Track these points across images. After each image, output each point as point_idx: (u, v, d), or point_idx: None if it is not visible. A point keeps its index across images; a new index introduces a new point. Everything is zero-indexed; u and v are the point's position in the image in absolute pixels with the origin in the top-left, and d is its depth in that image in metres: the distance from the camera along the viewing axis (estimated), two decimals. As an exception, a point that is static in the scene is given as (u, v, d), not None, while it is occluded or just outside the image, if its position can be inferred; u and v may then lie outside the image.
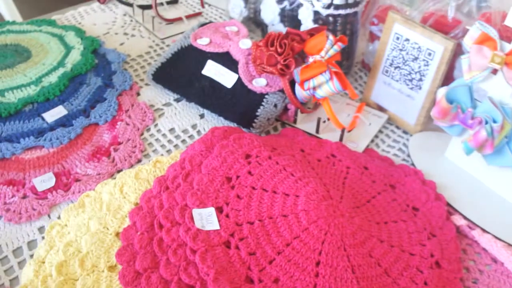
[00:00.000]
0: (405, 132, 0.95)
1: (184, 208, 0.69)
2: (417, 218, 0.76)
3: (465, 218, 0.78)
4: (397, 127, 0.95)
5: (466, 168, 0.85)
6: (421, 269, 0.69)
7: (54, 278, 0.65)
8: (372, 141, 0.91)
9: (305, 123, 0.92)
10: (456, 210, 0.79)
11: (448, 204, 0.80)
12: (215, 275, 0.60)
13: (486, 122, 0.74)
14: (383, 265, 0.67)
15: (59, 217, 0.77)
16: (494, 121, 0.74)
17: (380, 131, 0.94)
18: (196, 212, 0.68)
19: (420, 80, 0.88)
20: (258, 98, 0.88)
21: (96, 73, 1.01)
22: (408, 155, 0.90)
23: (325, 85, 0.83)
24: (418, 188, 0.81)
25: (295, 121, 0.91)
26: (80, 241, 0.69)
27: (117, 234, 0.70)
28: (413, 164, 0.87)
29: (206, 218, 0.68)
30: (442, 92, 0.78)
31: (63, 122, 0.91)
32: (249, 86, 0.89)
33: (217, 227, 0.67)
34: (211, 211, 0.69)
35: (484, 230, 0.76)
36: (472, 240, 0.77)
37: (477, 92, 0.79)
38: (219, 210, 0.69)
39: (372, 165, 0.83)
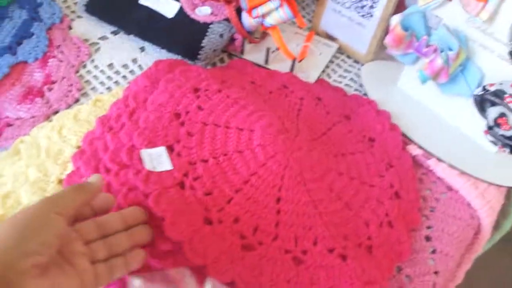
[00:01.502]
0: (356, 61, 0.91)
1: (131, 149, 0.63)
2: (374, 149, 0.74)
3: (420, 147, 0.77)
4: (348, 57, 0.92)
5: (419, 98, 0.83)
6: (381, 200, 0.68)
7: (-7, 233, 0.59)
8: (323, 71, 0.88)
9: (253, 54, 0.87)
10: (411, 140, 0.78)
11: (403, 134, 0.78)
12: (171, 218, 0.56)
13: (442, 50, 0.72)
14: (344, 199, 0.65)
15: (-9, 167, 0.70)
16: (450, 49, 0.72)
17: (331, 61, 0.90)
18: (145, 152, 0.63)
19: (372, 7, 0.85)
20: (202, 28, 0.82)
21: (19, 5, 0.88)
22: (360, 85, 0.87)
23: (274, 12, 0.77)
24: (373, 118, 0.79)
25: (242, 52, 0.86)
26: (19, 191, 0.63)
27: (59, 182, 0.64)
28: (365, 94, 0.85)
29: (157, 159, 0.63)
30: (396, 19, 0.75)
31: (-14, 62, 0.81)
32: (192, 15, 0.82)
33: (169, 167, 0.62)
34: (161, 150, 0.64)
35: (439, 159, 0.76)
36: (428, 170, 0.76)
37: (431, 19, 0.76)
38: (170, 149, 0.64)
39: (325, 96, 0.80)
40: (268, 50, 0.83)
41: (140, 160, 0.62)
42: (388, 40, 0.76)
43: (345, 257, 0.59)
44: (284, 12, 0.77)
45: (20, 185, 0.64)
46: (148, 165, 0.61)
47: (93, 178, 0.52)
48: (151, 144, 0.64)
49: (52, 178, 0.64)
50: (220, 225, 0.58)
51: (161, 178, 0.60)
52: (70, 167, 0.65)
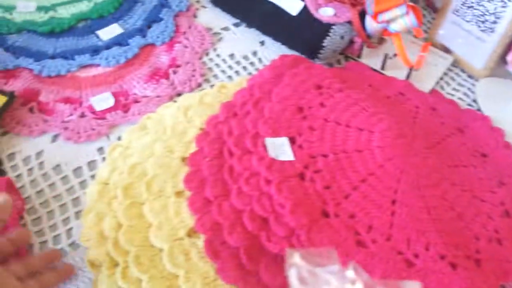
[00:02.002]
0: (470, 76, 0.91)
1: (255, 136, 0.66)
2: (486, 165, 0.74)
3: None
4: (462, 71, 0.92)
5: (534, 118, 0.82)
6: (491, 216, 0.67)
7: (120, 200, 0.63)
8: (437, 83, 0.88)
9: (370, 58, 0.88)
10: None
11: (516, 153, 0.77)
12: (292, 206, 0.58)
13: None
14: (456, 209, 0.65)
15: (119, 139, 0.75)
16: None
17: (445, 73, 0.90)
18: (269, 141, 0.65)
19: (494, 22, 0.84)
20: (324, 28, 0.83)
21: (151, -9, 0.95)
22: (474, 101, 0.86)
23: (400, 19, 0.78)
24: (487, 134, 0.78)
25: (359, 56, 0.88)
26: (145, 163, 0.67)
27: (182, 159, 0.67)
28: (479, 110, 0.84)
29: (280, 148, 0.65)
30: (523, 36, 0.74)
31: (119, 41, 0.87)
32: (315, 15, 0.84)
33: (291, 157, 0.64)
34: (284, 141, 0.66)
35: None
36: (540, 191, 0.75)
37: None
38: (292, 140, 0.67)
39: (440, 107, 0.80)
40: (386, 55, 0.84)
41: (264, 147, 0.64)
42: (511, 58, 0.75)
43: (455, 266, 0.59)
44: (409, 20, 0.77)
45: (146, 158, 0.68)
46: (271, 153, 0.64)
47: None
48: (275, 133, 0.66)
49: (176, 155, 0.67)
50: (336, 218, 0.60)
51: (283, 167, 0.63)
52: (193, 147, 0.68)
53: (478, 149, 0.76)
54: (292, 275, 0.38)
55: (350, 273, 0.39)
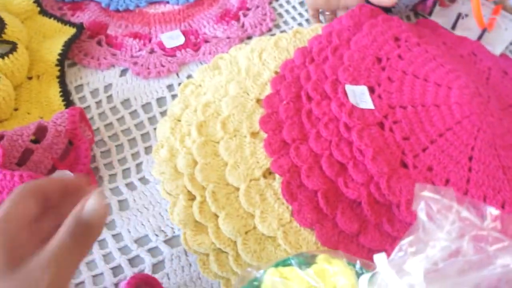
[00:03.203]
0: (539, 42, 0.89)
1: (335, 82, 0.65)
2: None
3: None
4: (532, 37, 0.90)
5: None
6: None
7: (194, 137, 0.63)
8: (507, 47, 0.86)
9: (441, 17, 0.86)
10: None
11: None
12: (373, 153, 0.58)
13: None
14: (530, 173, 0.65)
15: (188, 77, 0.74)
16: None
17: (515, 38, 0.89)
18: (349, 88, 0.65)
19: None
20: (399, -17, 0.82)
21: None
22: (542, 68, 0.85)
23: (479, -21, 0.77)
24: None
25: (430, 13, 0.86)
26: (219, 103, 0.66)
27: (257, 101, 0.67)
28: (548, 77, 0.83)
29: (360, 96, 0.64)
30: None
31: (188, -21, 0.85)
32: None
33: (371, 106, 0.64)
34: (364, 89, 0.65)
35: None
36: None
37: None
38: (371, 90, 0.66)
39: (511, 71, 0.79)
40: (459, 15, 0.83)
41: (344, 94, 0.64)
42: None
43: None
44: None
45: (220, 97, 0.67)
46: (352, 100, 0.63)
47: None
48: (355, 81, 0.66)
49: (251, 96, 0.67)
50: (414, 170, 0.60)
51: (363, 115, 0.62)
52: (268, 89, 0.68)
53: (548, 117, 0.75)
54: (421, 210, 0.38)
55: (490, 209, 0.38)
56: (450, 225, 0.36)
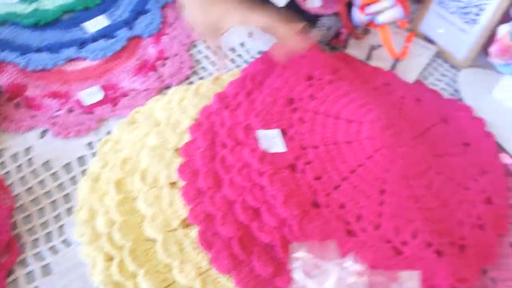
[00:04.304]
0: (452, 66, 0.93)
1: (247, 128, 0.67)
2: (468, 154, 0.76)
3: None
4: (445, 61, 0.93)
5: (512, 108, 0.84)
6: (474, 203, 0.69)
7: (112, 196, 0.64)
8: (421, 73, 0.89)
9: (355, 49, 0.89)
10: (503, 149, 0.79)
11: (496, 143, 0.79)
12: (285, 197, 0.60)
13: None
14: (442, 197, 0.67)
15: (108, 133, 0.75)
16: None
17: (428, 64, 0.92)
18: (261, 133, 0.67)
19: (477, 14, 0.86)
20: (312, 20, 0.84)
21: (137, -18, 0.95)
22: (455, 91, 0.88)
23: (387, 11, 0.79)
24: (469, 123, 0.80)
25: (345, 47, 0.89)
26: (137, 157, 0.67)
27: (176, 150, 0.68)
28: (460, 100, 0.86)
29: (271, 140, 0.66)
30: (505, 29, 0.76)
31: (106, 33, 0.87)
32: (302, 6, 0.85)
33: (283, 149, 0.65)
34: (276, 133, 0.67)
35: (531, 170, 0.77)
36: (518, 179, 0.77)
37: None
38: (283, 132, 0.68)
39: (424, 97, 0.82)
40: (372, 47, 0.86)
41: (256, 139, 0.65)
42: (494, 49, 0.77)
43: (441, 253, 0.61)
44: (397, 12, 0.78)
45: (138, 151, 0.68)
46: (263, 145, 0.65)
47: None
48: (266, 125, 0.68)
49: (170, 145, 0.68)
50: (327, 209, 0.62)
51: (275, 159, 0.64)
52: (187, 138, 0.69)
53: (461, 138, 0.78)
54: (297, 269, 0.39)
55: (349, 263, 0.40)
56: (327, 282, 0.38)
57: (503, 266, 0.68)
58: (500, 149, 0.79)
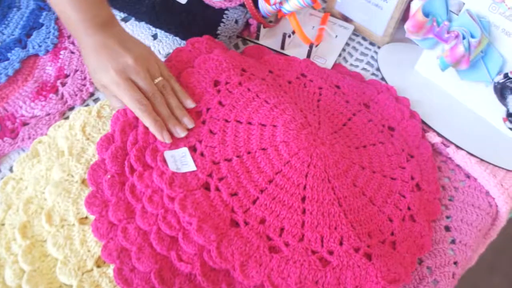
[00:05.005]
0: (372, 43, 0.90)
1: (155, 150, 0.63)
2: (394, 139, 0.74)
3: (439, 135, 0.77)
4: (364, 39, 0.90)
5: (438, 82, 0.82)
6: (403, 193, 0.68)
7: (19, 243, 0.59)
8: (340, 55, 0.86)
9: (269, 39, 0.85)
10: (429, 127, 0.78)
11: (422, 121, 0.78)
12: (198, 223, 0.56)
13: (463, 37, 0.71)
14: (368, 194, 0.65)
15: (10, 170, 0.69)
16: (472, 36, 0.70)
17: (347, 44, 0.89)
18: (168, 154, 0.62)
19: (390, -12, 0.82)
20: (217, 14, 0.80)
21: (25, -7, 0.86)
22: (377, 69, 0.86)
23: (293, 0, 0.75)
24: (392, 105, 0.78)
25: (257, 37, 0.84)
26: (42, 195, 0.62)
27: (83, 182, 0.63)
28: (383, 79, 0.83)
29: (180, 160, 0.62)
30: (417, 4, 0.73)
31: (-4, 56, 0.79)
32: (206, 1, 0.80)
33: (193, 168, 0.62)
34: (184, 151, 0.63)
35: (458, 147, 0.75)
36: (447, 157, 0.76)
37: (452, 4, 0.74)
38: (192, 149, 0.64)
39: (343, 83, 0.79)
40: (284, 35, 0.82)
41: (164, 161, 0.61)
42: (408, 26, 0.75)
43: (370, 256, 0.60)
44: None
45: (42, 189, 0.63)
46: (172, 166, 0.61)
47: None
48: (174, 145, 0.63)
49: (76, 178, 0.63)
50: (246, 226, 0.58)
51: (186, 181, 0.60)
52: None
53: (385, 123, 0.76)
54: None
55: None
56: None
57: (439, 252, 0.67)
58: (427, 127, 0.78)
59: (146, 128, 0.64)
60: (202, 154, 0.63)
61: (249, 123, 0.67)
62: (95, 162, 0.63)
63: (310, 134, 0.66)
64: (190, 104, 0.67)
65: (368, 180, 0.66)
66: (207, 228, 0.56)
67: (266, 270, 0.56)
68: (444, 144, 0.75)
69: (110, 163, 0.62)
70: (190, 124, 0.65)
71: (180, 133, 0.64)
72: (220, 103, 0.68)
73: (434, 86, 0.83)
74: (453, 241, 0.68)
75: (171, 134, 0.64)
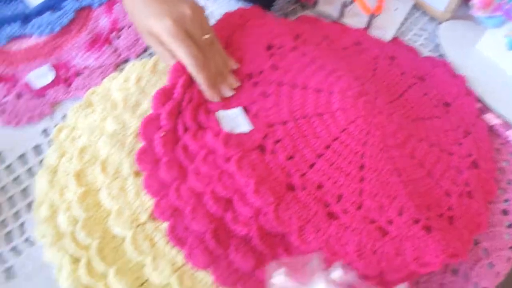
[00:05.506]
0: (432, 19, 0.87)
1: (208, 110, 0.62)
2: (449, 115, 0.72)
3: (498, 116, 0.74)
4: (424, 14, 0.88)
5: (500, 63, 0.80)
6: (460, 169, 0.66)
7: (73, 190, 0.58)
8: (399, 29, 0.84)
9: (327, 6, 0.83)
10: (488, 107, 0.75)
11: (480, 100, 0.75)
12: (256, 184, 0.55)
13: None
14: (426, 167, 0.63)
15: (64, 118, 0.69)
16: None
17: (406, 18, 0.86)
18: (221, 114, 0.61)
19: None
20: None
21: None
22: (436, 46, 0.83)
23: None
24: (448, 81, 0.75)
25: (315, 3, 0.82)
26: (96, 145, 0.62)
27: (137, 135, 0.62)
28: (441, 55, 0.81)
29: (234, 120, 0.61)
30: (487, -21, 0.71)
31: (51, 6, 0.78)
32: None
33: (248, 128, 0.60)
34: (238, 111, 0.62)
35: (518, 129, 0.73)
36: (506, 140, 0.73)
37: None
38: (245, 110, 0.63)
39: (399, 55, 0.77)
40: (344, 3, 0.79)
41: (217, 121, 0.60)
42: (476, 1, 0.72)
43: (430, 228, 0.57)
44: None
45: (96, 139, 0.62)
46: (226, 127, 0.60)
47: None
48: (226, 105, 0.62)
49: (130, 130, 0.62)
50: (303, 191, 0.57)
51: (241, 141, 0.59)
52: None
53: (440, 98, 0.73)
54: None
55: (336, 274, 0.36)
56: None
57: (495, 235, 0.65)
58: (483, 107, 0.75)
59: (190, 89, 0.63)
60: (256, 116, 0.62)
61: (304, 87, 0.65)
62: (149, 116, 0.61)
63: (367, 103, 0.64)
64: (234, 65, 0.65)
65: (425, 154, 0.64)
66: (264, 190, 0.55)
67: (324, 236, 0.55)
68: (504, 127, 0.73)
69: (165, 120, 0.60)
70: (236, 83, 0.64)
71: (228, 92, 0.63)
72: (273, 66, 0.66)
73: (496, 67, 0.80)
74: (510, 225, 0.66)
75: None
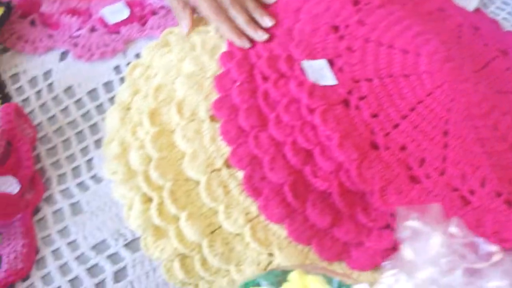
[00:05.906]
0: (518, -9, 0.84)
1: (289, 59, 0.59)
2: (533, 93, 0.69)
3: None
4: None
5: None
6: (545, 148, 0.64)
7: (147, 128, 0.57)
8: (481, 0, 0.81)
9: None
10: None
11: None
12: (340, 138, 0.53)
13: None
14: (509, 140, 0.61)
15: (137, 56, 0.67)
16: None
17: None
18: (306, 64, 0.59)
19: None
20: None
21: None
22: (520, 21, 0.80)
23: None
24: (533, 58, 0.73)
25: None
26: (172, 86, 0.60)
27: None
28: (524, 32, 0.78)
29: (319, 71, 0.59)
30: None
31: None
32: None
33: (334, 81, 0.58)
34: (323, 63, 0.60)
35: None
36: None
37: None
38: (330, 63, 0.60)
39: (482, 26, 0.74)
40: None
41: (301, 71, 0.58)
42: None
43: (511, 203, 0.56)
44: None
45: (173, 79, 0.61)
46: (310, 77, 0.58)
47: None
48: (311, 56, 0.60)
49: (208, 73, 0.60)
50: (387, 151, 0.55)
51: (326, 93, 0.57)
52: (226, 65, 0.61)
53: (523, 75, 0.71)
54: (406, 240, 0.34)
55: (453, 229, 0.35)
56: (438, 257, 0.33)
57: None
58: None
59: (264, 44, 0.62)
60: (341, 70, 0.60)
61: (391, 46, 0.63)
62: (220, 74, 0.60)
63: (454, 69, 0.62)
64: (269, 22, 0.64)
65: (509, 127, 0.62)
66: (348, 145, 0.53)
67: (406, 199, 0.53)
68: None
69: (236, 73, 0.59)
70: (270, 22, 0.63)
71: (262, 35, 0.61)
72: (360, 21, 0.64)
73: None
74: None
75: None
